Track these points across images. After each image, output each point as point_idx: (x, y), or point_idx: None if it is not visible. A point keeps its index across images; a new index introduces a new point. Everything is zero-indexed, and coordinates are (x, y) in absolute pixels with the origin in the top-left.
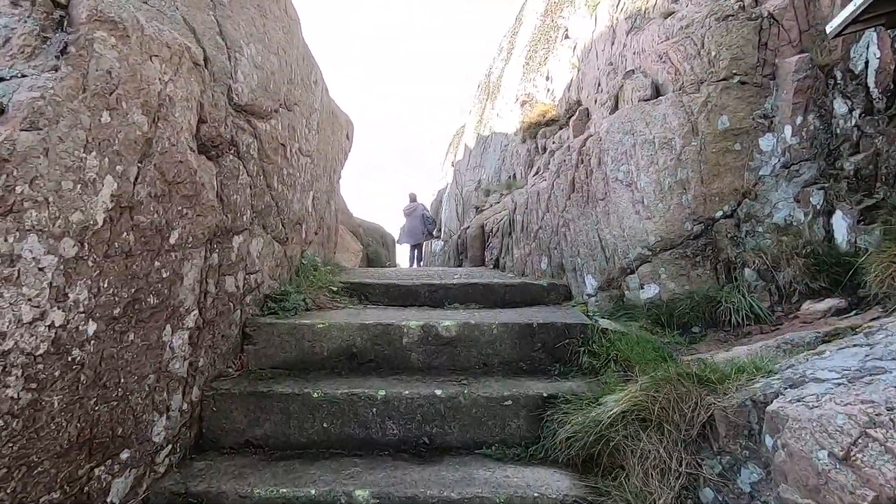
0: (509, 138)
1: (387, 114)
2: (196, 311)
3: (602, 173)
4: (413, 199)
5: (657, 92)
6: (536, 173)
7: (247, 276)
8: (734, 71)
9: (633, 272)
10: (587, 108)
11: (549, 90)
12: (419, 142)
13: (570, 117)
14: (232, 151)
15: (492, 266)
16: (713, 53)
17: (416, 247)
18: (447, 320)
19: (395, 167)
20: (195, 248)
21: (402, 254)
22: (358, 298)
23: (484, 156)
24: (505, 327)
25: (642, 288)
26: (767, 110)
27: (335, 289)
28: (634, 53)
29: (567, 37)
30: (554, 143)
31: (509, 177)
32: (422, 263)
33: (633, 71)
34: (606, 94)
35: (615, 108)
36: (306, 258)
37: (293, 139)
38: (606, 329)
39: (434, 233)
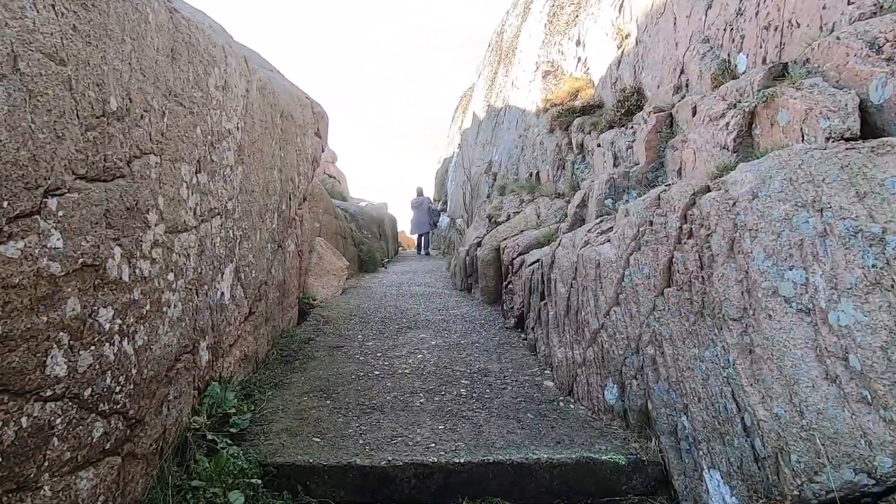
0: (528, 117)
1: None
2: None
3: (738, 269)
4: (420, 192)
5: (862, 122)
6: (599, 231)
7: None
8: None
9: None
10: (670, 113)
11: (580, 59)
12: (437, 109)
13: (623, 111)
14: None
15: (513, 323)
16: None
17: (424, 235)
18: None
19: (416, 135)
20: None
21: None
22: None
23: (496, 132)
24: None
25: None
26: None
27: (247, 488)
28: (774, 29)
29: None
30: (600, 144)
31: (530, 174)
32: (429, 249)
33: (804, 67)
34: (722, 103)
35: (747, 131)
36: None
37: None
38: None
39: (437, 223)
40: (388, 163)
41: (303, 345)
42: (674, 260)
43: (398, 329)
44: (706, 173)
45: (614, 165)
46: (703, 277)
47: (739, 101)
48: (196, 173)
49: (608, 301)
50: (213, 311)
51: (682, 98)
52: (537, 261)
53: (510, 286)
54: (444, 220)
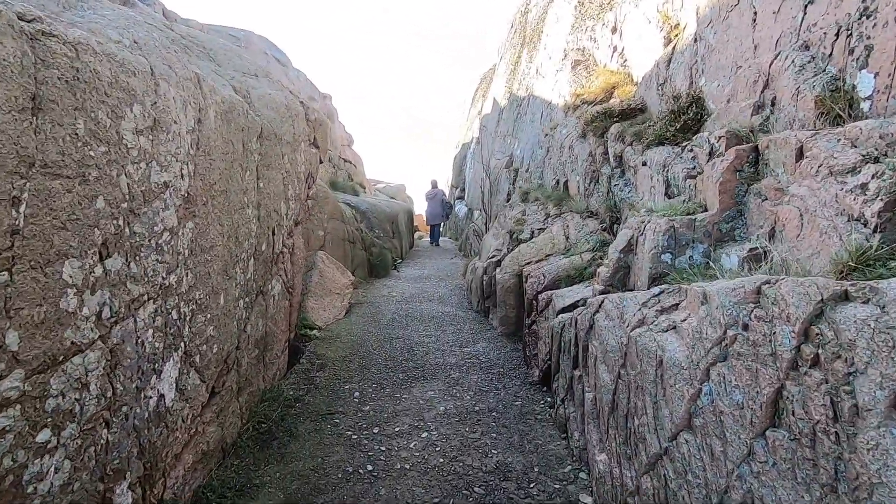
0: (555, 112)
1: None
2: None
3: None
4: (434, 185)
5: None
6: (660, 308)
7: None
8: None
9: None
10: (755, 147)
11: (615, 49)
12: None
13: (678, 126)
14: None
15: (537, 376)
16: None
17: (436, 225)
18: None
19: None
20: None
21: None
22: None
23: (518, 123)
24: None
25: None
26: None
27: None
28: None
29: None
30: (646, 163)
31: (557, 182)
32: (440, 240)
33: None
34: (852, 151)
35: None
36: None
37: None
38: None
39: (450, 214)
40: (410, 144)
41: (287, 410)
42: (785, 394)
43: (403, 381)
44: (830, 260)
45: (666, 195)
46: (837, 434)
47: (887, 154)
48: (101, 261)
49: (675, 420)
50: (141, 431)
51: (765, 119)
52: (570, 307)
53: (534, 327)
54: (461, 208)
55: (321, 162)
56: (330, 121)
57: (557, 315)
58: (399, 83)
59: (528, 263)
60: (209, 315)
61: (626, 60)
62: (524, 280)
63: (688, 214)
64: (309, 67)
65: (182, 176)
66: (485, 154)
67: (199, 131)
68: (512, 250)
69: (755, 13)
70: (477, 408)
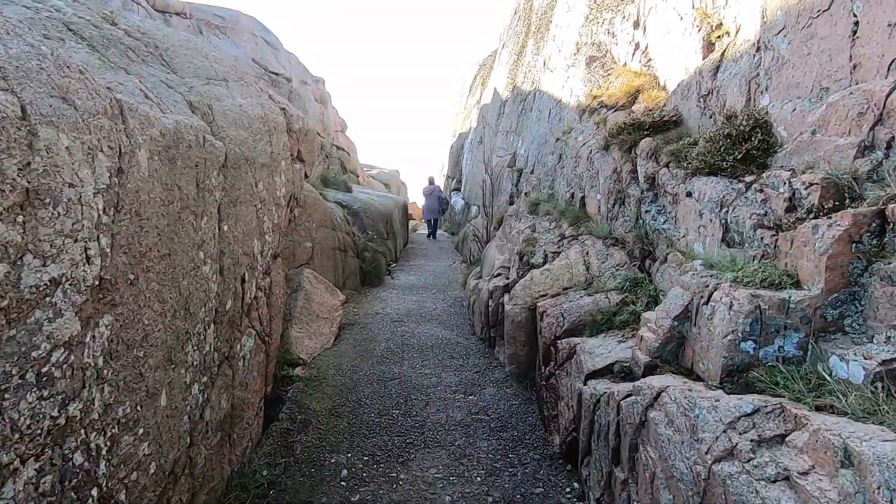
0: (566, 112)
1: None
2: None
3: None
4: (431, 181)
5: None
6: (756, 438)
7: None
8: None
9: None
10: (880, 212)
11: (638, 47)
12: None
13: (739, 157)
14: None
15: (558, 447)
16: None
17: (433, 220)
18: None
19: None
20: None
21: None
22: None
23: (523, 120)
24: None
25: None
26: None
27: None
28: None
29: None
30: (691, 193)
31: (572, 196)
32: (437, 233)
33: None
34: None
35: None
36: None
37: None
38: None
39: (445, 209)
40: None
41: (258, 501)
42: None
43: (399, 449)
44: None
45: (723, 241)
46: None
47: None
48: None
49: None
50: None
51: (876, 166)
52: (603, 371)
53: (552, 380)
54: (457, 201)
55: (307, 177)
56: (322, 105)
57: (587, 380)
58: (395, 66)
59: (543, 296)
60: (142, 430)
61: (650, 60)
62: (539, 317)
63: (771, 286)
64: (301, 49)
65: (88, 260)
66: (485, 149)
67: (120, 186)
68: (522, 275)
69: (855, 23)
70: (491, 497)
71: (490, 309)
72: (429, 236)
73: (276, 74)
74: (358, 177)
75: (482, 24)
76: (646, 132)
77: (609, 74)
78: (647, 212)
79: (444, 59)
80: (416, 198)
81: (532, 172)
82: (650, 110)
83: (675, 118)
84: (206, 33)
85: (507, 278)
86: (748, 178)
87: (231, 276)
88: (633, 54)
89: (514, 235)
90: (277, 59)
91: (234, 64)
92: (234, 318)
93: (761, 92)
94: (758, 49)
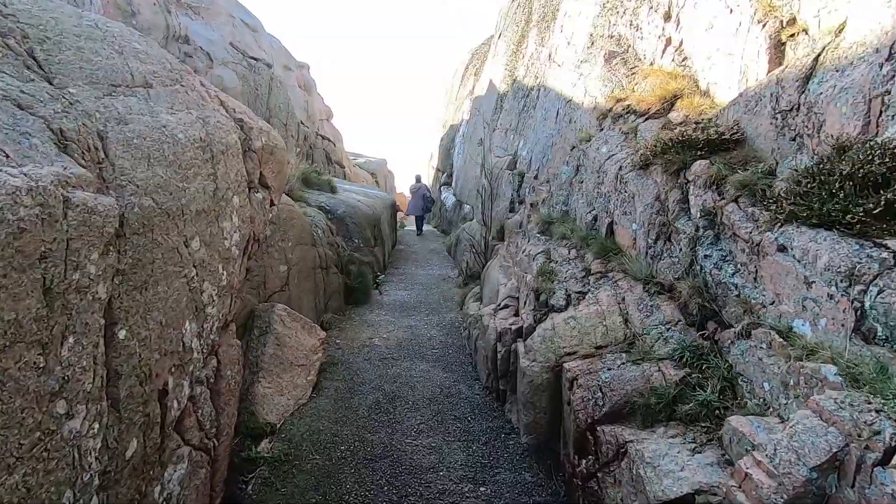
0: (579, 114)
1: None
2: None
3: None
4: (418, 179)
5: None
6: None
7: None
8: None
9: None
10: None
11: (669, 42)
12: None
13: (870, 204)
14: None
15: None
16: None
17: (419, 217)
18: None
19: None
20: None
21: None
22: None
23: (524, 118)
24: None
25: None
26: None
27: None
28: None
29: None
30: (786, 247)
31: (595, 219)
32: (423, 230)
33: None
34: None
35: None
36: None
37: None
38: None
39: (430, 207)
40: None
41: None
42: None
43: None
44: None
45: (856, 331)
46: None
47: None
48: None
49: None
50: None
51: None
52: (680, 502)
53: (594, 485)
54: (448, 197)
55: (273, 204)
56: (307, 93)
57: None
58: (383, 51)
59: (571, 355)
60: None
61: (685, 59)
62: (566, 384)
63: None
64: (285, 33)
65: None
66: (478, 142)
67: None
68: (540, 319)
69: None
70: None
71: (499, 356)
72: (417, 233)
73: (256, 59)
74: (344, 168)
75: (476, 9)
76: (699, 151)
77: (634, 73)
78: (706, 256)
79: (436, 43)
80: (403, 188)
81: (536, 178)
82: (697, 123)
83: (736, 135)
84: (176, 13)
85: (519, 316)
86: (889, 242)
87: (134, 405)
88: (664, 51)
89: (524, 260)
90: (258, 43)
91: (167, 60)
92: (148, 459)
93: (892, 116)
94: (889, 56)
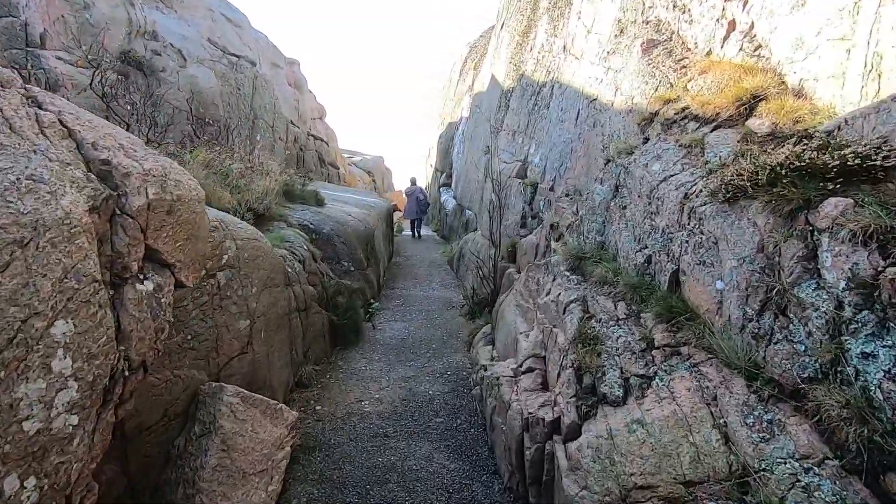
0: (607, 115)
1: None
2: None
3: None
4: (413, 182)
5: None
6: None
7: None
8: None
9: None
10: None
11: (733, 27)
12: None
13: None
14: None
15: None
16: None
17: (416, 220)
18: None
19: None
20: None
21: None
22: None
23: (535, 119)
24: None
25: None
26: None
27: None
28: None
29: None
30: None
31: (648, 261)
32: (420, 232)
33: None
34: None
35: None
36: None
37: None
38: None
39: (426, 210)
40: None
41: None
42: None
43: None
44: None
45: None
46: None
47: None
48: None
49: None
50: None
51: None
52: None
53: None
54: (447, 199)
55: (181, 286)
56: (298, 91)
57: None
58: (377, 44)
59: (645, 491)
60: None
61: (758, 48)
62: None
63: None
64: (275, 28)
65: None
66: (483, 150)
67: None
68: (588, 414)
69: None
70: None
71: (528, 455)
72: (413, 237)
73: (238, 57)
74: (338, 169)
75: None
76: (829, 182)
77: (685, 67)
78: (865, 356)
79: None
80: (402, 185)
81: (552, 189)
82: (804, 136)
83: (892, 159)
84: (141, 6)
85: (549, 393)
86: None
87: None
88: (725, 38)
89: (549, 306)
90: (242, 39)
91: None
92: None
93: None
94: None
